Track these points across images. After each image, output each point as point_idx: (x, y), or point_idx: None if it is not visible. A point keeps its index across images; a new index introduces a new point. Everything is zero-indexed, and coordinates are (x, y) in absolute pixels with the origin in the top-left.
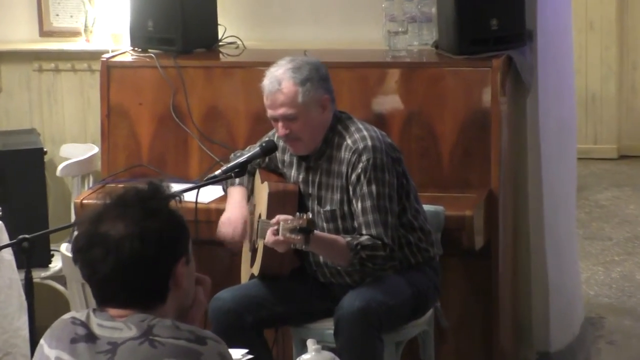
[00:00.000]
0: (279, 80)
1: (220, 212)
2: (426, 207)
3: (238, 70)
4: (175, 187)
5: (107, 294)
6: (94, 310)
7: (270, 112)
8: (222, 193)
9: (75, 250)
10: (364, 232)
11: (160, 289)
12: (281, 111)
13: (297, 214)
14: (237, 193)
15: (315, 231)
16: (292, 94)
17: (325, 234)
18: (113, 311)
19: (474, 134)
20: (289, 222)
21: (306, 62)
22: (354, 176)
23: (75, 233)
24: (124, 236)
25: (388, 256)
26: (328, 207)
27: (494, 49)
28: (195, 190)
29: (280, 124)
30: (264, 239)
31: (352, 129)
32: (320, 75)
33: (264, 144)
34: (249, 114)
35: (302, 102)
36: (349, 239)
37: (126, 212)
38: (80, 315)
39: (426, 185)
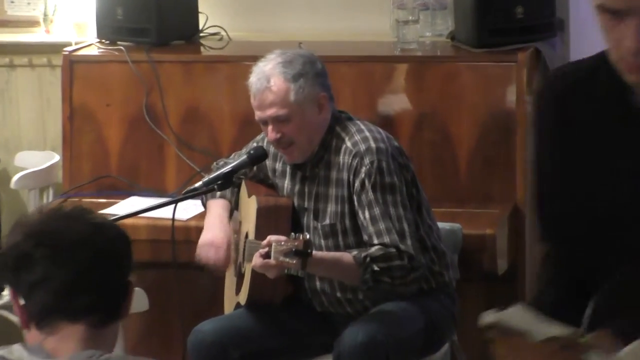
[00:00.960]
0: (267, 77)
1: (200, 230)
2: (440, 225)
3: (222, 65)
4: (150, 201)
5: (59, 305)
6: (25, 345)
7: (258, 114)
8: (202, 209)
9: (18, 258)
10: (374, 241)
11: (117, 302)
12: (271, 112)
13: (292, 234)
14: (217, 207)
15: (314, 252)
16: (282, 92)
17: (326, 253)
18: (52, 341)
19: (496, 138)
20: (282, 243)
21: (299, 55)
22: (357, 183)
23: (15, 240)
24: (79, 241)
25: (408, 266)
26: (327, 221)
27: (519, 41)
28: (172, 206)
29: (270, 127)
30: (252, 262)
31: (353, 129)
32: (315, 70)
33: (252, 151)
34: (235, 116)
35: (294, 100)
36: (355, 252)
37: (73, 221)
38: (8, 353)
39: (440, 199)
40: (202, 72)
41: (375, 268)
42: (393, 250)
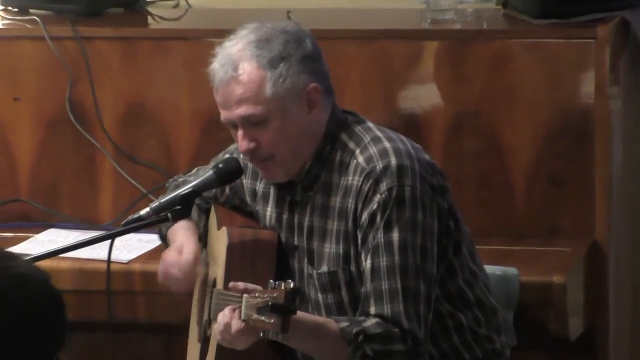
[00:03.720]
0: (234, 62)
1: (148, 276)
2: (488, 269)
3: (177, 43)
4: (75, 235)
5: None
6: None
7: (224, 114)
8: (151, 246)
9: None
10: (372, 310)
11: None
12: (239, 111)
13: (271, 282)
14: (184, 227)
15: (298, 311)
16: (255, 83)
17: (306, 315)
18: None
19: (565, 148)
20: (256, 295)
21: (280, 30)
22: (365, 215)
23: None
24: None
25: (411, 353)
26: (324, 267)
27: (598, 9)
28: (108, 242)
29: (240, 133)
30: (216, 324)
31: (366, 138)
32: (303, 52)
33: (221, 165)
34: (197, 116)
35: (272, 95)
36: (345, 324)
37: None
38: None
39: (488, 233)
40: (149, 52)
41: (368, 351)
42: (395, 330)
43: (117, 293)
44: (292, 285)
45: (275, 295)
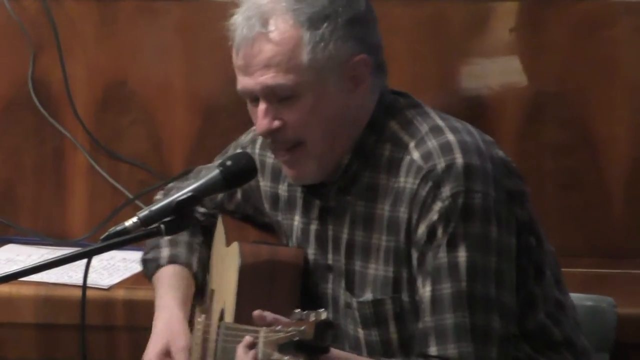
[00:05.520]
0: (264, 15)
1: (133, 307)
2: (577, 298)
3: (169, 3)
4: (39, 253)
5: None
6: None
7: (243, 82)
8: (139, 267)
9: None
10: (432, 350)
11: None
12: (265, 79)
13: (297, 311)
14: (170, 285)
15: (332, 349)
16: (288, 45)
17: (345, 355)
18: None
19: None
20: (277, 328)
21: None
22: (422, 228)
23: None
24: None
25: None
26: (368, 295)
27: None
28: (83, 263)
29: (261, 108)
30: None
31: (423, 128)
32: (354, 12)
33: (229, 163)
34: (195, 99)
35: (308, 62)
36: None
37: None
38: None
39: (576, 252)
40: (132, 15)
41: None
42: None
43: (94, 328)
44: (324, 315)
45: (302, 328)
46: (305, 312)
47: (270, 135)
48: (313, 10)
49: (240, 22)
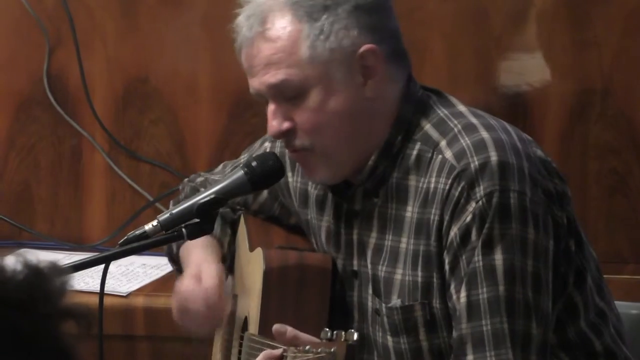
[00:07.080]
0: (262, 13)
1: (154, 315)
2: (620, 307)
3: None
4: (54, 258)
5: None
6: None
7: (251, 83)
8: (160, 273)
9: None
10: (469, 358)
11: None
12: (267, 78)
13: (326, 330)
14: (201, 244)
15: None
16: (287, 41)
17: None
18: None
19: None
20: (306, 348)
21: None
22: (455, 231)
23: None
24: None
25: None
26: (397, 301)
27: None
28: (101, 268)
29: (270, 110)
30: None
31: (455, 126)
32: (356, 1)
33: (254, 164)
34: (221, 95)
35: (309, 56)
36: None
37: None
38: None
39: (621, 257)
40: (155, 8)
41: None
42: None
43: (112, 337)
44: (355, 336)
45: (332, 350)
46: (336, 332)
47: (281, 136)
48: (312, 2)
49: (242, 22)
